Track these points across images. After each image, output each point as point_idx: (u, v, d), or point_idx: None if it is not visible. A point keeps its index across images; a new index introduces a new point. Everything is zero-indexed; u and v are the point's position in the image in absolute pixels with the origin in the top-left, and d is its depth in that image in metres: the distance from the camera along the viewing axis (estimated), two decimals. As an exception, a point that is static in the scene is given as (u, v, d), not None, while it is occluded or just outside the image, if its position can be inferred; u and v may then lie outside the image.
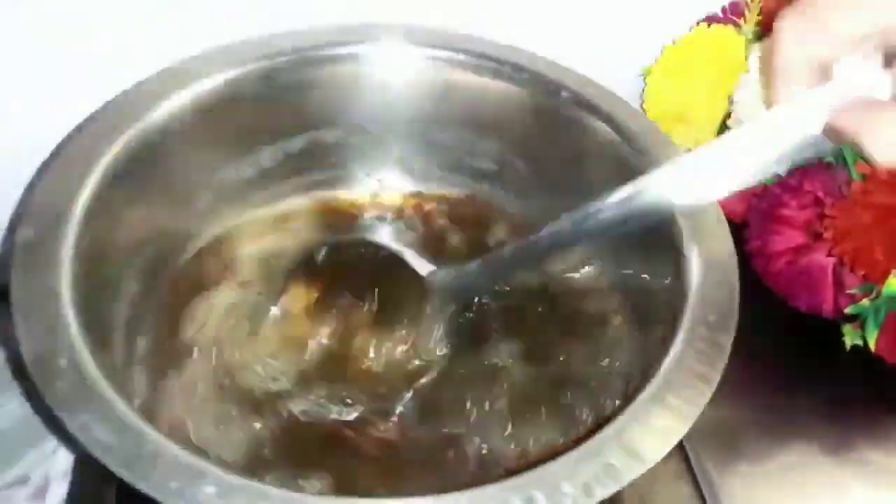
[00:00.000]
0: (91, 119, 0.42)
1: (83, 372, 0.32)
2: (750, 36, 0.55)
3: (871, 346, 0.48)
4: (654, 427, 0.33)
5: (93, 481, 0.44)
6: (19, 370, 0.49)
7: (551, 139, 0.49)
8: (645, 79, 0.58)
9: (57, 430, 0.48)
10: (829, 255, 0.49)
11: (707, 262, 0.39)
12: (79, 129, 0.43)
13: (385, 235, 0.52)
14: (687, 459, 0.46)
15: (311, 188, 0.52)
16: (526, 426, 0.42)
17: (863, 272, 0.47)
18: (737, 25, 0.55)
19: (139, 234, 0.43)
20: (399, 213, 0.53)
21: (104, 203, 0.39)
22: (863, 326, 0.49)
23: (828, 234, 0.47)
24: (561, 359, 0.45)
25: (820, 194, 0.50)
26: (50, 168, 0.39)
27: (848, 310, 0.49)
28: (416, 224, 0.53)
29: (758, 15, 0.54)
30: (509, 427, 0.42)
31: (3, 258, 0.53)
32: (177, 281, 0.46)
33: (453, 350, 0.44)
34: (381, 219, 0.53)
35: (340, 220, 0.52)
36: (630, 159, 0.45)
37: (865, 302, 0.48)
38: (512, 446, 0.41)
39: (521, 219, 0.52)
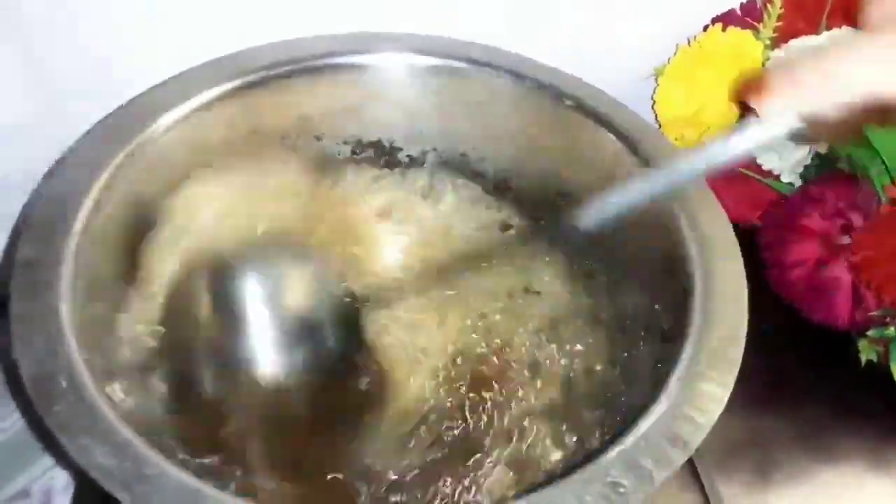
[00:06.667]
0: (91, 132, 0.41)
1: (83, 394, 0.31)
2: (767, 42, 0.52)
3: None
4: (663, 445, 0.32)
5: (95, 495, 0.44)
6: (17, 384, 0.49)
7: (555, 146, 0.49)
8: (657, 79, 0.56)
9: (54, 449, 0.47)
10: (850, 270, 0.48)
11: (715, 272, 0.39)
12: (80, 142, 0.42)
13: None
14: (694, 469, 0.45)
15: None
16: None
17: (890, 298, 0.46)
18: (750, 27, 0.53)
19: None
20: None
21: (104, 218, 0.38)
22: (887, 354, 0.48)
23: (855, 259, 0.46)
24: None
25: (842, 206, 0.49)
26: (49, 183, 0.38)
27: (870, 333, 0.49)
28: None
29: (776, 21, 0.52)
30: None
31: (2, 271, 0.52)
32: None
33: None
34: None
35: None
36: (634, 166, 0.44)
37: (891, 329, 0.47)
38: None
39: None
